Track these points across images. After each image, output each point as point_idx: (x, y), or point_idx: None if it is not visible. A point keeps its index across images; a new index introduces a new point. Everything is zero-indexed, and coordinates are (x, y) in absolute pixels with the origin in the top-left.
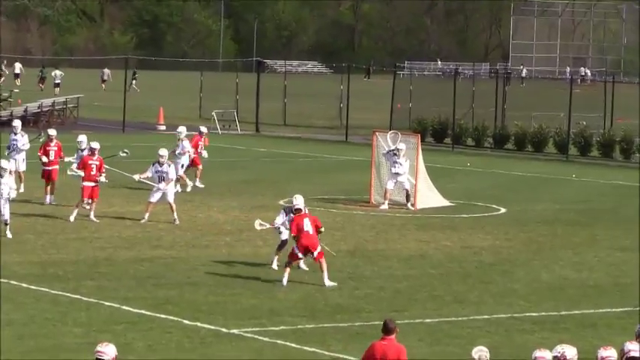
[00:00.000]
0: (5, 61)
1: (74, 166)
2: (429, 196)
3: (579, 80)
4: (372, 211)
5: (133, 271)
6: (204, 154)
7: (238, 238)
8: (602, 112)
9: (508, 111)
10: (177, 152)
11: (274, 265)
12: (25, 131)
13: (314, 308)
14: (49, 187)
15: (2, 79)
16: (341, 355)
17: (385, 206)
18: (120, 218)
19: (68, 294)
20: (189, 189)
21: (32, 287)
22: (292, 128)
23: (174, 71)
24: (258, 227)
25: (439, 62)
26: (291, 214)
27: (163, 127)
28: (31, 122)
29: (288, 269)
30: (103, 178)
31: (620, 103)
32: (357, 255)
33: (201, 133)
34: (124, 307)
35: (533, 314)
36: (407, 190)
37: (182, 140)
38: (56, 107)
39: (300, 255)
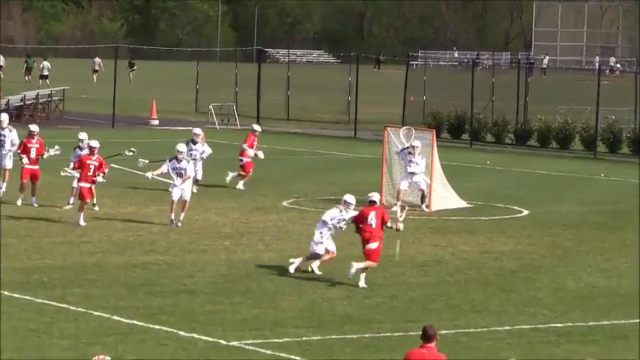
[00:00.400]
0: None
1: (70, 165)
2: (445, 197)
3: (608, 71)
4: None
5: (124, 277)
6: (261, 154)
7: (238, 243)
8: (633, 106)
9: (531, 104)
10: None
11: (316, 270)
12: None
13: (320, 318)
14: (31, 188)
15: None
16: None
17: (397, 208)
18: (110, 220)
19: (54, 303)
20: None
21: (15, 295)
22: (296, 123)
23: (168, 61)
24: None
25: (456, 51)
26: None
27: (156, 122)
28: (14, 117)
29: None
30: (100, 178)
31: None
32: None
33: (254, 131)
34: (114, 317)
35: (559, 325)
36: (422, 191)
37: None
38: (40, 100)
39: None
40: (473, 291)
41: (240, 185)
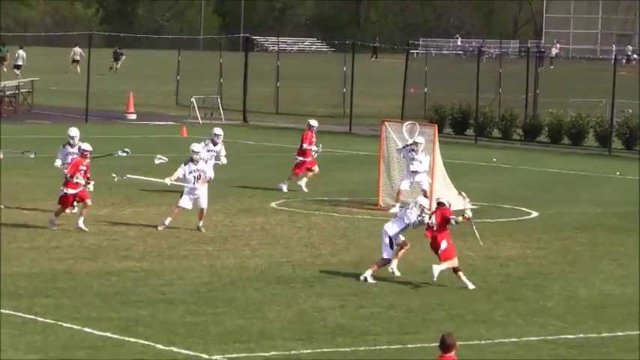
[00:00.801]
0: None
1: (58, 162)
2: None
3: (624, 61)
4: (381, 215)
5: (97, 286)
6: (319, 150)
7: (222, 248)
8: None
9: (541, 97)
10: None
11: (395, 271)
12: None
13: (311, 330)
14: None
15: None
16: None
17: (396, 209)
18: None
19: (20, 314)
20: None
21: None
22: (286, 117)
23: (146, 50)
24: None
25: (459, 39)
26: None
27: (134, 116)
28: None
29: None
30: (92, 187)
31: None
32: (362, 267)
33: (311, 127)
34: (86, 329)
35: (570, 336)
36: (424, 192)
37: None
38: (7, 93)
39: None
40: (477, 300)
41: (304, 186)
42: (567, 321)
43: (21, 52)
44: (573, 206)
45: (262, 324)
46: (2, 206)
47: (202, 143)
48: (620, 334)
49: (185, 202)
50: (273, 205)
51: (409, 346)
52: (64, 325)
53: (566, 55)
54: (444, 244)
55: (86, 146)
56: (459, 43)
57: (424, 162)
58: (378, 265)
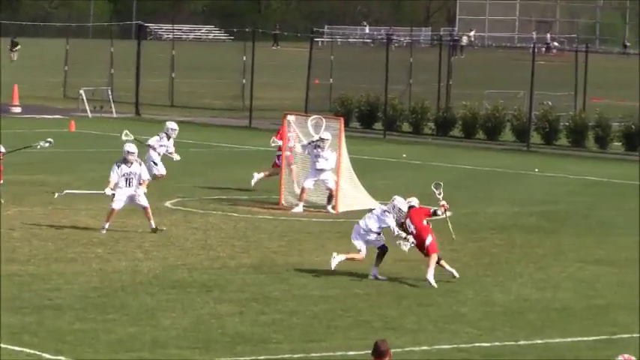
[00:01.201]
0: None
1: None
2: (354, 197)
3: (544, 49)
4: (283, 215)
5: None
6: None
7: (113, 250)
8: (573, 90)
9: (454, 88)
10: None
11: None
12: None
13: (208, 338)
14: None
15: None
16: None
17: (300, 209)
18: None
19: None
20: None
21: None
22: (182, 110)
23: (32, 38)
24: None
25: (367, 27)
26: None
27: (18, 109)
28: None
29: None
30: None
31: (595, 79)
32: (263, 270)
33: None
34: None
35: (485, 344)
36: (330, 190)
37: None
38: None
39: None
40: (385, 305)
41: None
42: (482, 328)
43: None
44: (489, 205)
45: (156, 332)
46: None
47: (157, 137)
48: (539, 341)
49: (116, 202)
50: (167, 204)
51: (313, 354)
52: None
53: (482, 43)
54: (429, 239)
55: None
56: (367, 31)
57: (330, 159)
58: (378, 260)
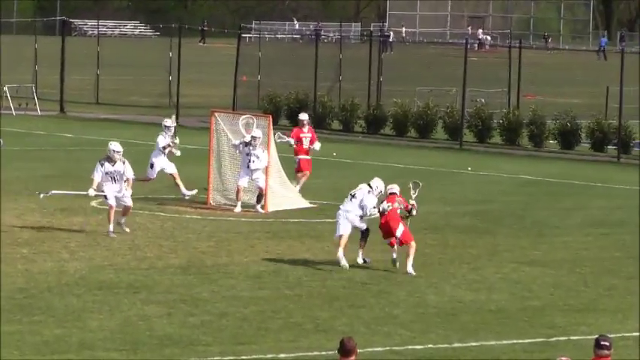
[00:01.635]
0: None
1: None
2: (283, 196)
3: (476, 45)
4: (211, 214)
5: None
6: (317, 146)
7: (38, 250)
8: (506, 87)
9: (385, 85)
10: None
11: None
12: None
13: (136, 340)
14: None
15: None
16: None
17: (238, 209)
18: None
19: None
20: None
21: None
22: (107, 108)
23: None
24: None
25: (296, 22)
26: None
27: None
28: None
29: None
30: None
31: (530, 75)
32: (191, 271)
33: (301, 121)
34: None
35: (418, 347)
36: (260, 189)
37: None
38: None
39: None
40: (317, 307)
41: (298, 187)
42: (415, 330)
43: None
44: (421, 205)
45: (82, 333)
46: None
47: (161, 135)
48: (473, 344)
49: (110, 199)
50: (93, 204)
51: (243, 357)
52: None
53: (413, 39)
54: (400, 228)
55: None
56: (296, 27)
57: (262, 158)
58: (362, 242)
